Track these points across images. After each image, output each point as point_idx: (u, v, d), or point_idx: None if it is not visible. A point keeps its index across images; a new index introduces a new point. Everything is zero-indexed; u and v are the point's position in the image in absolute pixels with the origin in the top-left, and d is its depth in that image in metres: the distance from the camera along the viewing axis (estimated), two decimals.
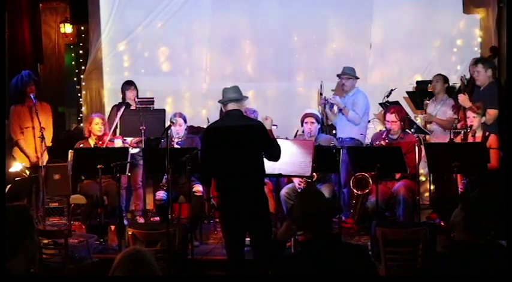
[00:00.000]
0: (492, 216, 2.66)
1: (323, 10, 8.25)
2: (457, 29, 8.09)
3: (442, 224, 6.14)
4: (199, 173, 5.49)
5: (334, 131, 7.31)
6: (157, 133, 6.76)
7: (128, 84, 7.53)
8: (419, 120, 7.15)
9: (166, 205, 6.03)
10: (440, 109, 7.05)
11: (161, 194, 6.28)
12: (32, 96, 6.61)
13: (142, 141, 6.90)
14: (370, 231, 5.36)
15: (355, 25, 8.27)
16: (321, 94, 7.34)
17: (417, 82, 7.72)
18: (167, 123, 5.89)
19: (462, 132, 6.08)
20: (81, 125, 8.70)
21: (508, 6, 6.88)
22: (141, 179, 7.16)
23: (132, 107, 7.31)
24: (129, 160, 6.22)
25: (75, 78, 9.29)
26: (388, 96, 7.24)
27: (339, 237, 3.45)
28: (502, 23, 7.52)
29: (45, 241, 5.24)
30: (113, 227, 6.29)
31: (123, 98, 7.52)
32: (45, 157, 6.72)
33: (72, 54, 9.92)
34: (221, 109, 6.51)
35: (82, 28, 9.06)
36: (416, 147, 6.10)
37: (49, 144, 6.80)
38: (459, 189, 5.80)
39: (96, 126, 6.70)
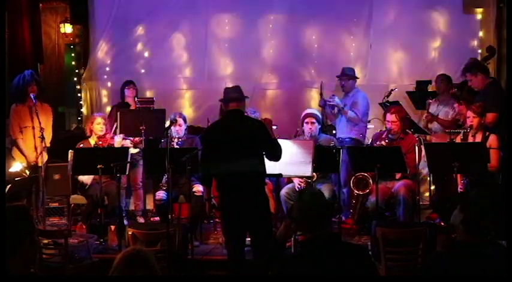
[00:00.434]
0: (492, 216, 2.66)
1: (323, 10, 8.26)
2: (457, 29, 8.09)
3: (442, 224, 6.14)
4: (200, 173, 5.50)
5: (334, 131, 7.31)
6: (157, 133, 6.76)
7: (128, 84, 7.53)
8: (422, 123, 7.10)
9: (166, 205, 6.03)
10: (442, 109, 7.03)
11: (161, 194, 6.28)
12: (32, 96, 6.61)
13: (142, 141, 6.90)
14: (370, 231, 5.35)
15: (355, 25, 8.27)
16: (321, 94, 7.34)
17: (417, 82, 7.72)
18: (167, 123, 5.88)
19: (462, 132, 6.08)
20: (81, 125, 8.70)
21: (508, 6, 6.90)
22: (141, 179, 7.16)
23: (132, 107, 7.31)
24: (129, 160, 6.22)
25: (75, 78, 9.29)
26: (388, 96, 7.23)
27: (338, 237, 3.45)
28: (502, 23, 7.54)
29: (45, 241, 5.24)
30: (113, 227, 6.28)
31: (123, 98, 7.52)
32: (45, 157, 6.71)
33: (72, 54, 9.91)
34: (221, 109, 6.54)
35: (82, 28, 9.06)
36: (416, 147, 6.10)
37: (48, 145, 6.79)
38: (459, 189, 5.80)
39: (98, 126, 6.70)
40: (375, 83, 8.10)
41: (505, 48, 7.36)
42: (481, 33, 8.00)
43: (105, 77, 8.61)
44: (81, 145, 6.68)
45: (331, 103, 7.14)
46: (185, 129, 6.66)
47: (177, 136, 6.50)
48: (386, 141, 6.25)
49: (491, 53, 7.27)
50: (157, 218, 6.81)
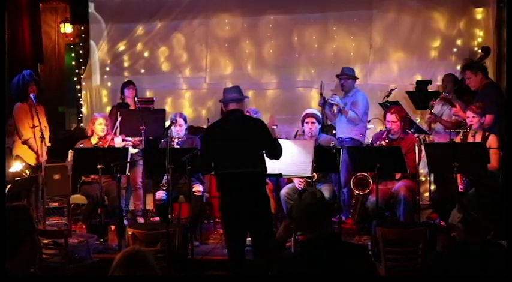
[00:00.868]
0: (492, 216, 2.66)
1: (323, 10, 8.26)
2: (457, 29, 8.09)
3: (442, 224, 6.13)
4: (199, 168, 5.50)
5: (333, 131, 7.31)
6: (157, 133, 6.76)
7: (128, 84, 7.53)
8: (419, 120, 7.12)
9: (166, 205, 6.03)
10: (446, 110, 7.01)
11: (161, 194, 6.28)
12: (32, 96, 6.61)
13: (142, 141, 6.90)
14: (370, 231, 5.35)
15: (355, 25, 8.28)
16: (321, 94, 7.34)
17: (417, 82, 7.71)
18: (167, 123, 5.89)
19: (462, 132, 6.08)
20: (81, 125, 8.70)
21: (508, 6, 6.90)
22: (141, 179, 7.16)
23: (132, 107, 7.31)
24: (129, 160, 6.22)
25: (75, 78, 9.29)
26: (388, 96, 7.23)
27: (338, 237, 3.44)
28: (502, 23, 7.54)
29: (45, 241, 5.24)
30: (113, 227, 6.28)
31: (123, 98, 7.52)
32: (45, 157, 6.71)
33: (72, 54, 9.90)
34: (222, 109, 6.54)
35: (82, 28, 9.06)
36: (416, 147, 6.10)
37: (48, 144, 6.79)
38: (459, 189, 5.80)
39: (99, 126, 6.70)
40: (375, 83, 8.11)
41: (505, 48, 7.36)
42: (481, 33, 8.00)
43: (105, 77, 8.62)
44: (81, 145, 6.68)
45: (332, 101, 7.14)
46: (185, 130, 6.66)
47: (177, 136, 6.50)
48: (387, 141, 6.25)
49: (486, 52, 7.28)
50: (157, 218, 6.81)
